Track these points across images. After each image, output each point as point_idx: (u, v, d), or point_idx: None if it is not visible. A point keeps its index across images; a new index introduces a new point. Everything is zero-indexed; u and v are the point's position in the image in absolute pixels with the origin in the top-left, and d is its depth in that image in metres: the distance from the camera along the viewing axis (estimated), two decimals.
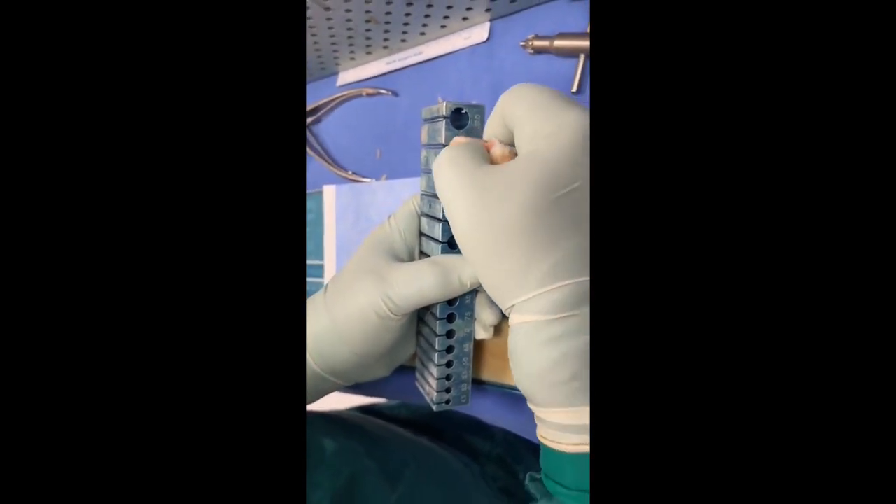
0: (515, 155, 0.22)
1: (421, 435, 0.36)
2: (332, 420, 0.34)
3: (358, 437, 0.32)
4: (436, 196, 0.26)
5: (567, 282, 0.19)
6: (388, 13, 0.33)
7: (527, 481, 0.22)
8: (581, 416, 0.19)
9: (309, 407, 0.35)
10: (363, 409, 0.43)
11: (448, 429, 0.39)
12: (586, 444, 0.19)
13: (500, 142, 0.23)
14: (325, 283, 0.31)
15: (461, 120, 0.25)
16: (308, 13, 0.34)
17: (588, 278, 0.19)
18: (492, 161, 0.22)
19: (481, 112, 0.25)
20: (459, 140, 0.24)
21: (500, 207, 0.19)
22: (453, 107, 0.24)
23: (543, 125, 0.20)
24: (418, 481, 0.30)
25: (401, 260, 0.28)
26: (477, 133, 0.25)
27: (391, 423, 0.37)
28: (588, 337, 0.19)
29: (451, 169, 0.21)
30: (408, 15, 0.33)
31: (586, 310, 0.19)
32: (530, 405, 0.21)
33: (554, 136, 0.19)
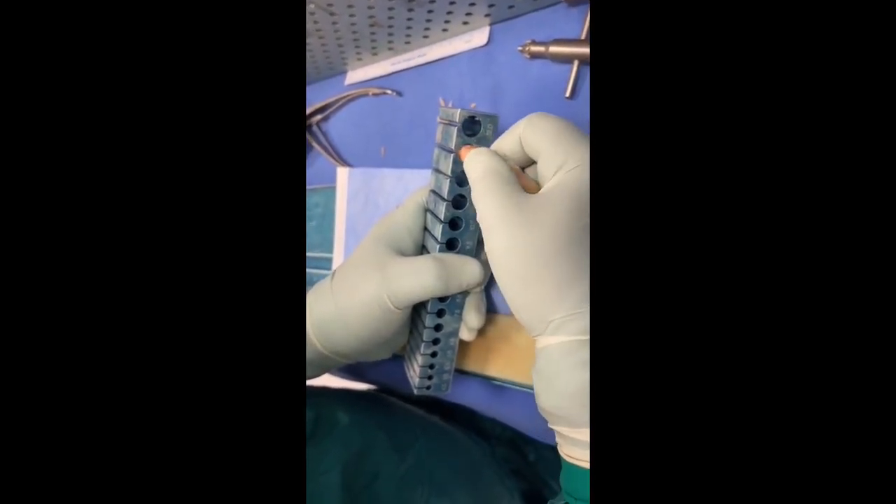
0: (538, 184, 0.24)
1: (433, 413, 0.39)
2: (349, 396, 0.36)
3: (371, 413, 0.34)
4: (441, 197, 0.27)
5: None
6: (391, 17, 0.35)
7: None
8: None
9: (329, 383, 0.38)
10: (380, 388, 0.46)
11: (460, 409, 0.40)
12: None
13: (522, 168, 0.25)
14: (333, 269, 0.33)
15: (473, 128, 0.26)
16: (315, 18, 0.35)
17: None
18: (525, 189, 0.23)
19: (494, 122, 0.26)
20: (470, 148, 0.25)
21: (539, 233, 0.21)
22: (467, 115, 0.25)
23: (566, 160, 0.22)
24: (427, 454, 0.32)
25: (406, 254, 0.29)
26: (487, 142, 0.26)
27: (407, 403, 0.39)
28: None
29: (491, 197, 0.22)
30: (410, 20, 0.35)
31: None
32: (556, 426, 0.22)
33: (577, 171, 0.21)
